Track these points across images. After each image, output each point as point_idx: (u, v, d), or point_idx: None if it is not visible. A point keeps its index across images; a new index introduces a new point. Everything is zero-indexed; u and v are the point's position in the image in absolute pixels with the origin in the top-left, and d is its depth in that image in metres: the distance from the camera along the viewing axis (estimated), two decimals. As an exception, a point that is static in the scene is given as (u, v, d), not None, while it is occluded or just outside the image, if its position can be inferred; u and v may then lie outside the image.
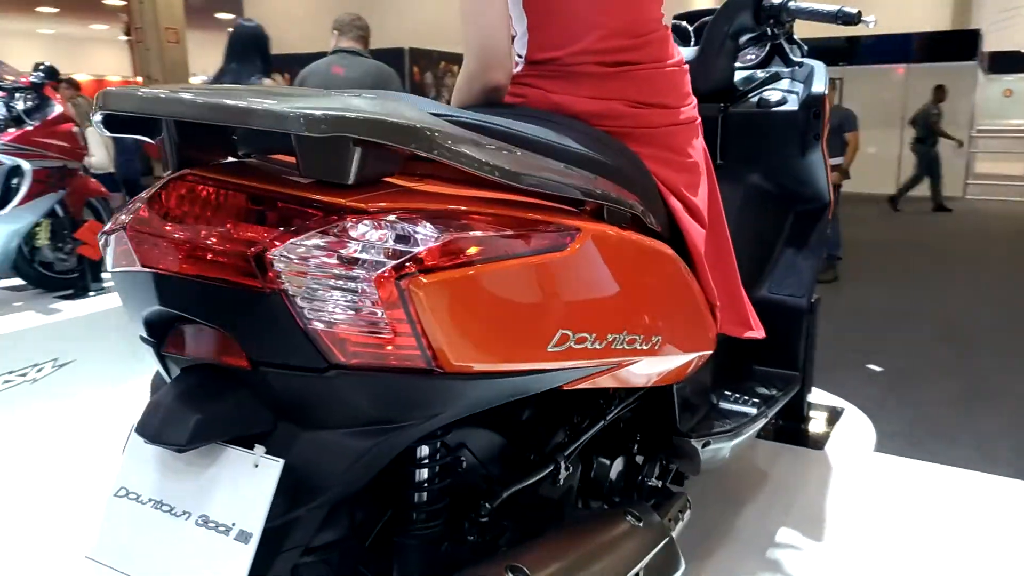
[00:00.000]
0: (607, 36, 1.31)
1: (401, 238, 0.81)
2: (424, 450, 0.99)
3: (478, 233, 0.86)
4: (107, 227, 0.90)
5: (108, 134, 0.89)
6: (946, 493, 2.13)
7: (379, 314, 0.80)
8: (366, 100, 0.84)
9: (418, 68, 12.08)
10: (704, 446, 1.43)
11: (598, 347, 1.01)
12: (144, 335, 0.94)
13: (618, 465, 1.44)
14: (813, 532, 1.89)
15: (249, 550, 0.81)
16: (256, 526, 0.81)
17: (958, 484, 2.19)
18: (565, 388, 1.04)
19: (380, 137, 0.79)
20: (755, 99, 2.01)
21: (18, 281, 4.23)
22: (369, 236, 0.80)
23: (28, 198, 3.86)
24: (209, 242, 0.82)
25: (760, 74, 2.10)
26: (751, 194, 2.07)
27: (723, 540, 1.86)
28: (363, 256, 0.80)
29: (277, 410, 0.86)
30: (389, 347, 0.82)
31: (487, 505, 1.09)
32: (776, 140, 2.00)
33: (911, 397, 4.25)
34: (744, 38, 1.99)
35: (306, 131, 0.76)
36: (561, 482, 1.25)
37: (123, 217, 0.88)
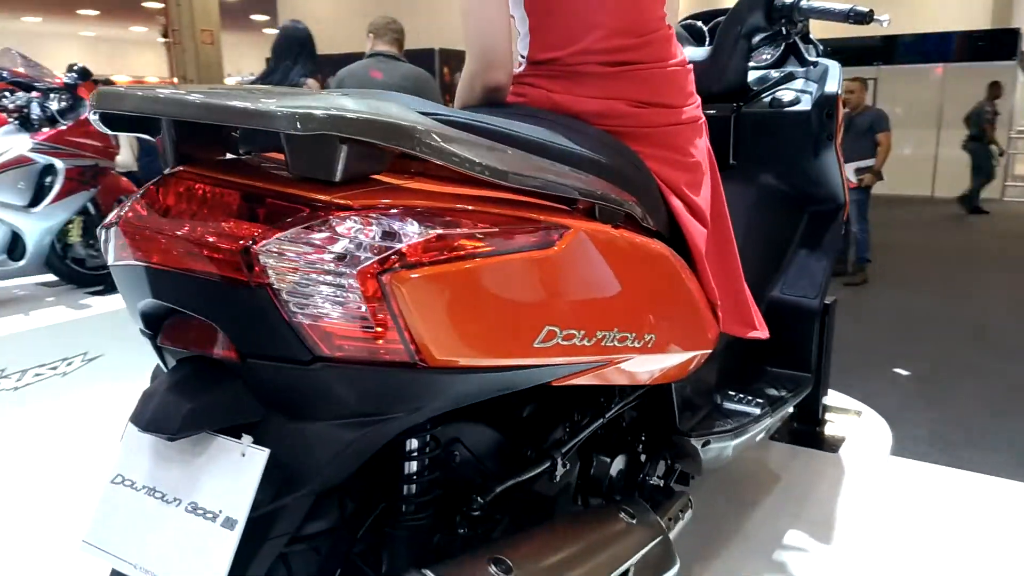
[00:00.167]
0: (608, 36, 1.32)
1: (385, 234, 0.83)
2: (413, 443, 1.01)
3: (463, 230, 0.88)
4: (105, 221, 0.93)
5: (108, 132, 0.92)
6: (961, 498, 2.10)
7: (362, 308, 0.82)
8: (353, 99, 0.86)
9: (448, 68, 12.13)
10: (704, 445, 1.43)
11: (587, 344, 1.02)
12: (142, 327, 0.97)
13: (619, 463, 1.45)
14: (822, 535, 1.88)
15: (234, 536, 0.83)
16: (241, 513, 0.83)
17: (973, 489, 2.15)
18: (555, 384, 1.05)
19: (365, 135, 0.81)
20: (768, 99, 2.00)
21: (51, 277, 4.34)
22: (353, 232, 0.82)
23: (61, 196, 3.96)
24: (200, 237, 0.84)
25: (774, 74, 2.09)
26: (764, 194, 2.06)
27: (731, 540, 1.85)
28: (347, 251, 0.82)
29: (266, 401, 0.89)
30: (373, 341, 0.84)
31: (479, 499, 1.10)
32: (788, 140, 1.99)
33: (938, 401, 4.19)
34: (757, 38, 1.98)
35: (292, 129, 0.78)
36: (558, 479, 1.26)
37: (121, 212, 0.91)
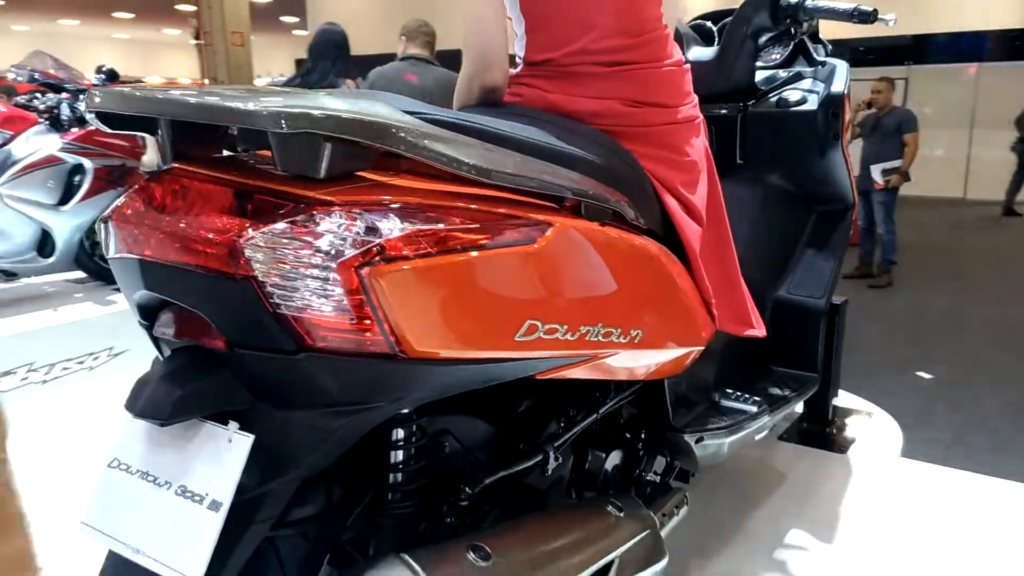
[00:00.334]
0: (603, 36, 1.34)
1: (366, 228, 0.86)
2: (400, 432, 1.04)
3: (443, 226, 0.90)
4: (103, 215, 0.97)
5: (107, 129, 0.96)
6: (969, 500, 2.08)
7: (343, 301, 0.85)
8: (338, 99, 0.89)
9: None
10: (698, 441, 1.44)
11: (571, 338, 1.04)
12: (139, 318, 1.01)
13: (615, 458, 1.46)
14: (824, 535, 1.88)
15: (219, 518, 0.86)
16: (226, 496, 0.87)
17: (982, 491, 2.13)
18: (540, 377, 1.08)
19: (347, 133, 0.84)
20: (775, 99, 2.01)
21: (79, 274, 4.45)
22: (334, 226, 0.85)
23: (89, 195, 4.07)
24: (189, 231, 0.88)
25: (783, 74, 2.09)
26: (771, 194, 2.07)
27: (732, 538, 1.86)
28: (328, 245, 0.85)
29: (254, 390, 0.92)
30: (354, 332, 0.86)
31: (467, 490, 1.13)
32: (795, 140, 1.99)
33: (961, 406, 4.14)
34: (764, 38, 1.99)
35: (277, 128, 0.81)
36: (550, 472, 1.28)
37: (119, 207, 0.95)
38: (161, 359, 1.02)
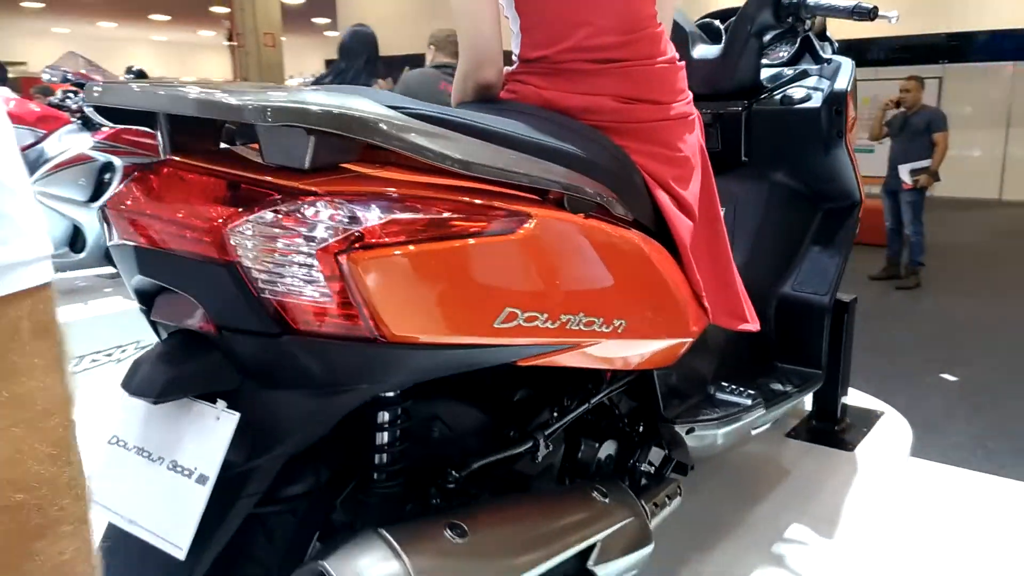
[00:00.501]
0: (595, 34, 1.37)
1: (346, 217, 0.90)
2: (384, 415, 1.08)
3: (421, 215, 0.94)
4: (102, 202, 1.02)
5: (108, 123, 1.02)
6: (975, 499, 2.07)
7: (323, 286, 0.89)
8: (322, 94, 0.93)
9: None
10: (688, 432, 1.46)
11: (551, 327, 1.08)
12: (137, 303, 1.06)
13: (608, 448, 1.49)
14: (825, 530, 1.89)
15: (205, 491, 0.91)
16: (212, 470, 0.91)
17: (991, 491, 2.12)
18: (522, 364, 1.11)
19: (329, 126, 0.88)
20: (779, 96, 2.02)
21: (109, 269, 4.57)
22: (316, 214, 0.89)
23: (119, 192, 4.17)
24: (181, 219, 0.93)
25: (789, 71, 2.10)
26: (776, 191, 2.08)
27: (732, 531, 1.87)
28: (309, 232, 0.89)
29: (241, 371, 0.97)
30: (334, 317, 0.91)
31: (454, 473, 1.17)
32: (799, 137, 2.00)
33: (985, 409, 4.09)
34: (768, 36, 2.00)
35: (262, 121, 0.85)
36: (540, 459, 1.31)
37: (115, 196, 1.00)
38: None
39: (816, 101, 1.97)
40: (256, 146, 1.05)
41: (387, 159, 1.01)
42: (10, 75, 7.13)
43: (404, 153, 0.93)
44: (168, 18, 22.37)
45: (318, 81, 4.89)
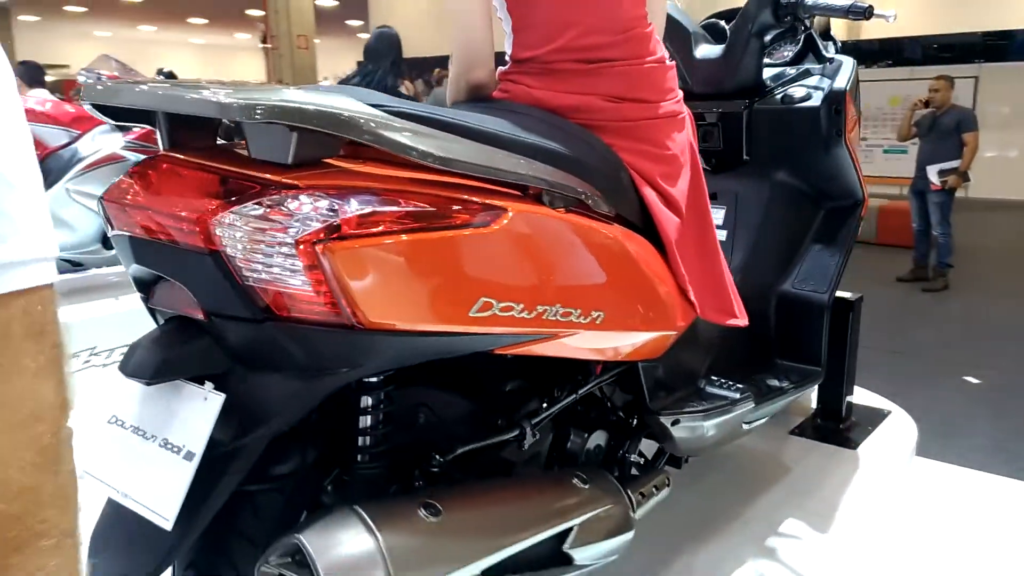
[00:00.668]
0: (584, 34, 1.41)
1: (326, 209, 0.95)
2: (367, 399, 1.13)
3: (397, 208, 0.99)
4: (102, 194, 1.09)
5: (108, 120, 1.08)
6: (978, 499, 2.07)
7: (302, 274, 0.95)
8: (305, 92, 0.99)
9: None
10: (674, 424, 1.50)
11: (527, 316, 1.12)
12: (137, 290, 1.13)
13: (597, 438, 1.53)
14: (822, 526, 1.90)
15: (192, 467, 0.97)
16: (199, 447, 0.97)
17: (995, 491, 2.12)
18: (499, 352, 1.15)
19: (309, 123, 0.93)
20: (780, 96, 2.04)
21: (138, 266, 4.70)
22: (296, 206, 0.95)
23: (149, 190, 4.29)
24: (172, 210, 0.99)
25: (791, 71, 2.12)
26: (778, 190, 2.10)
27: (729, 524, 1.89)
28: (289, 223, 0.94)
29: (230, 354, 1.03)
30: (314, 304, 0.96)
31: (438, 457, 1.22)
32: (799, 136, 2.02)
33: (1007, 412, 4.04)
34: (770, 35, 2.02)
35: (246, 118, 0.91)
36: (526, 447, 1.35)
37: (113, 189, 1.07)
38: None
39: (816, 100, 1.98)
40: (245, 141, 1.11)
41: (368, 155, 1.06)
42: (53, 77, 7.36)
43: (382, 149, 0.99)
44: (205, 21, 22.80)
45: (345, 82, 4.99)
